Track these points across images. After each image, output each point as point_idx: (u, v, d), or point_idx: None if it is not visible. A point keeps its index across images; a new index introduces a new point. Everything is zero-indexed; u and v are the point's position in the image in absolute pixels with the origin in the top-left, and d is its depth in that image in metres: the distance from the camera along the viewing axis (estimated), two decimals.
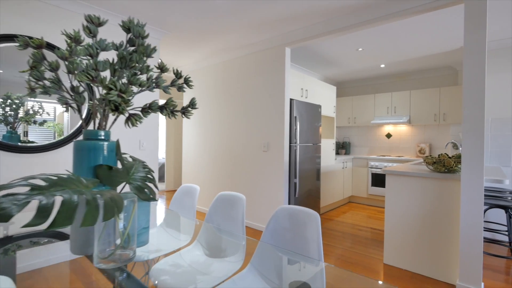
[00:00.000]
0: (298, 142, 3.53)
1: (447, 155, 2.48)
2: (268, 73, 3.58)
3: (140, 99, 2.98)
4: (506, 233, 3.13)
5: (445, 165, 2.40)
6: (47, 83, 0.99)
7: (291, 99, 3.52)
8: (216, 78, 4.33)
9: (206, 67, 4.51)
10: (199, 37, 3.46)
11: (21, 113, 2.27)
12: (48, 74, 1.01)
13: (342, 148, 5.83)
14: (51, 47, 2.36)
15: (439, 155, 2.51)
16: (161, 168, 7.30)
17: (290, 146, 3.50)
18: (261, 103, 3.67)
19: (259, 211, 3.66)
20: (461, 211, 2.15)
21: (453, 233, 2.30)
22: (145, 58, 1.01)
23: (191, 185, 2.09)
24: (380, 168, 4.94)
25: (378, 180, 4.99)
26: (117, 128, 2.91)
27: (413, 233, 2.49)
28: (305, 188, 3.67)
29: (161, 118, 8.42)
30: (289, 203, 3.50)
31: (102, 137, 0.98)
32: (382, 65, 4.64)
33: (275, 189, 3.48)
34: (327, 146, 4.53)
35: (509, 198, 2.71)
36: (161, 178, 7.26)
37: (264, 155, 3.62)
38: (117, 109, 0.90)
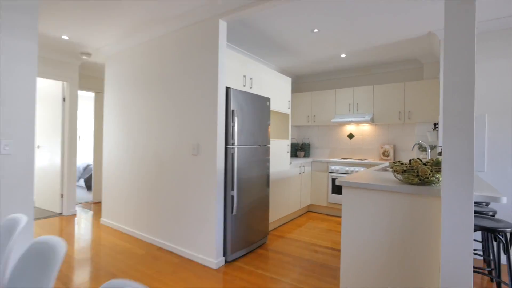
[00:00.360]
0: (236, 143, 2.74)
1: (421, 160, 1.84)
2: (199, 55, 2.75)
3: None
4: (481, 254, 2.59)
5: (418, 175, 1.75)
6: None
7: (227, 88, 2.72)
8: (140, 63, 3.40)
9: (128, 49, 3.56)
10: (107, 3, 2.53)
11: None
12: None
13: (301, 150, 5.18)
14: None
15: (410, 160, 1.86)
16: (92, 173, 6.12)
17: (226, 149, 2.70)
18: (190, 93, 2.82)
19: (187, 237, 2.80)
20: (442, 240, 1.49)
21: (431, 268, 1.65)
22: None
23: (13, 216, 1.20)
24: (341, 173, 4.34)
25: (339, 186, 4.38)
26: None
27: (378, 265, 1.81)
28: (248, 201, 2.89)
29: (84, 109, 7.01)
30: (224, 224, 2.69)
31: None
32: (343, 55, 4.04)
33: (204, 206, 2.66)
34: (280, 148, 3.81)
35: (491, 213, 2.15)
36: (90, 187, 6.08)
37: (193, 160, 2.77)
38: None
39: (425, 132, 4.01)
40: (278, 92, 3.79)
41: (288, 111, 4.03)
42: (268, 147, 3.28)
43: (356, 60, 4.30)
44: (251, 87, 3.20)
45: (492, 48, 2.83)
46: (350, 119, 4.42)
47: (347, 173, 4.28)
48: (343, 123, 4.57)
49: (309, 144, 5.22)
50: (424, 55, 3.97)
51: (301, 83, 5.51)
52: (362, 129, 4.76)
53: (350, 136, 4.88)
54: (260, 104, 3.14)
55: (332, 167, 4.42)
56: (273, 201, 3.64)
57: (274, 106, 3.69)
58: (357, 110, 4.50)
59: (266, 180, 3.20)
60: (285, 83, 3.95)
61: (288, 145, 3.98)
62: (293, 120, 5.20)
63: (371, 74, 4.71)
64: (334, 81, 5.12)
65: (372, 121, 4.34)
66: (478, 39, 2.89)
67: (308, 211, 4.71)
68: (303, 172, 4.41)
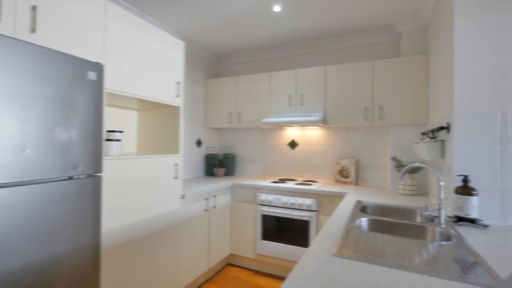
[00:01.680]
0: None
1: None
2: None
3: None
4: None
5: None
6: None
7: None
8: None
9: None
10: None
11: None
12: None
13: (221, 165, 3.37)
14: None
15: None
16: None
17: None
18: None
19: None
20: None
21: None
22: None
23: None
24: (276, 207, 2.64)
25: (272, 227, 2.67)
26: None
27: None
28: None
29: None
30: None
31: None
32: (277, 8, 2.34)
33: None
34: (162, 171, 1.94)
35: None
36: None
37: None
38: None
39: (404, 141, 2.52)
40: (155, 66, 1.91)
41: (178, 103, 2.17)
42: (99, 178, 1.38)
43: (300, 24, 2.64)
44: (34, 32, 1.26)
45: None
46: (291, 119, 2.74)
47: (284, 207, 2.59)
48: (281, 125, 2.89)
49: (233, 156, 3.44)
50: (404, 17, 2.48)
51: (221, 66, 3.72)
52: (310, 135, 3.14)
53: (292, 144, 3.23)
54: (64, 74, 1.23)
55: (263, 197, 2.69)
56: (143, 275, 1.74)
57: (145, 92, 1.81)
58: (301, 105, 2.86)
59: (94, 249, 1.29)
60: (171, 49, 2.09)
61: (176, 164, 2.12)
62: (209, 119, 3.37)
63: (323, 51, 3.12)
64: (268, 61, 3.43)
65: (324, 122, 2.73)
66: None
67: (228, 265, 2.92)
68: (214, 207, 2.60)
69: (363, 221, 1.50)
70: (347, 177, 2.84)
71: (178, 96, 2.11)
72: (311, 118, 2.65)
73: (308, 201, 2.49)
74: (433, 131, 1.84)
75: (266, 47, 3.29)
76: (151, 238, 1.89)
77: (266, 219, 2.68)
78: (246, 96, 3.13)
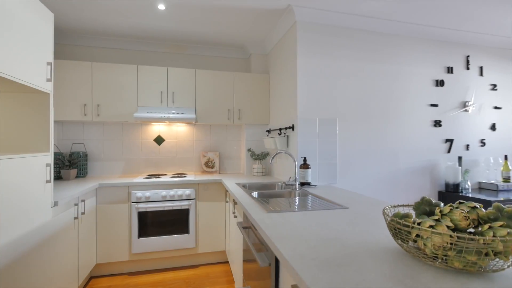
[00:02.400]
0: None
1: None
2: None
3: None
4: None
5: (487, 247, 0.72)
6: None
7: None
8: None
9: None
10: None
11: None
12: None
13: (70, 166, 2.81)
14: None
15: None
16: None
17: None
18: None
19: None
20: None
21: None
22: None
23: None
24: (155, 202, 2.68)
25: (149, 223, 2.69)
26: None
27: None
28: None
29: None
30: None
31: None
32: (161, 5, 2.40)
33: None
34: (26, 175, 1.51)
35: None
36: None
37: None
38: None
39: (255, 136, 3.35)
40: (18, 37, 1.46)
41: (48, 89, 1.74)
42: None
43: (170, 25, 2.80)
44: None
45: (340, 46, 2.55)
46: (166, 115, 2.84)
47: (164, 200, 2.69)
48: (153, 121, 2.90)
49: (85, 155, 2.97)
50: (254, 43, 3.29)
51: (67, 45, 3.06)
52: (177, 131, 3.34)
53: (159, 140, 3.29)
54: None
55: (138, 194, 2.63)
56: None
57: (10, 70, 1.34)
58: (173, 102, 3.02)
59: None
60: (40, 20, 1.65)
61: (48, 164, 1.71)
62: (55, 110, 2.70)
63: (190, 54, 3.40)
64: (133, 53, 3.25)
65: (196, 120, 3.06)
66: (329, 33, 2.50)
67: (92, 278, 2.57)
68: (83, 213, 2.24)
69: (255, 194, 2.05)
70: (212, 167, 3.33)
71: (49, 80, 1.71)
72: (186, 116, 2.90)
73: (187, 191, 2.74)
74: (280, 129, 2.71)
75: (132, 38, 3.11)
76: (14, 267, 1.47)
77: (142, 216, 2.64)
78: (107, 87, 2.83)
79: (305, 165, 2.32)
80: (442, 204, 0.93)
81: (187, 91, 3.04)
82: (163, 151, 3.29)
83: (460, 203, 0.87)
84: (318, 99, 2.47)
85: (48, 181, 1.69)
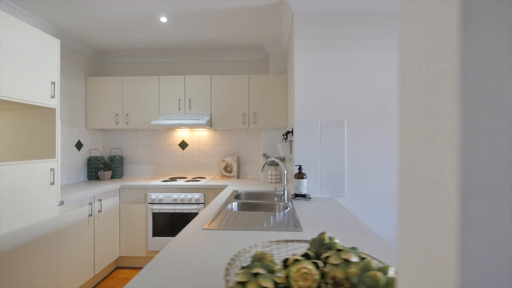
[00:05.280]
0: None
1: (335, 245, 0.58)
2: None
3: None
4: None
5: None
6: None
7: None
8: None
9: None
10: None
11: None
12: None
13: (107, 168, 3.25)
14: None
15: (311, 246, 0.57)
16: None
17: None
18: None
19: None
20: None
21: None
22: None
23: None
24: (167, 204, 2.83)
25: (163, 224, 2.85)
26: None
27: None
28: None
29: None
30: None
31: None
32: (163, 18, 2.53)
33: None
34: (33, 179, 1.81)
35: None
36: None
37: None
38: None
39: (272, 141, 3.18)
40: (24, 64, 1.76)
41: (54, 104, 2.05)
42: None
43: (186, 35, 2.91)
44: None
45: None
46: (179, 121, 2.98)
47: (175, 203, 2.81)
48: (170, 127, 3.09)
49: (121, 158, 3.38)
50: (271, 43, 3.12)
51: (105, 63, 3.56)
52: (199, 136, 3.46)
53: (183, 145, 3.47)
54: None
55: (153, 196, 2.83)
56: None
57: (12, 92, 1.65)
58: (190, 109, 3.13)
59: None
60: (44, 47, 1.96)
61: (52, 169, 2.01)
62: (91, 120, 3.18)
63: (208, 61, 3.49)
64: (157, 64, 3.54)
65: (210, 125, 3.10)
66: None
67: (118, 268, 2.89)
68: (100, 211, 2.55)
69: (234, 204, 1.93)
70: (230, 172, 3.32)
71: (53, 97, 2.01)
72: (199, 121, 2.97)
73: (196, 195, 2.80)
74: (283, 134, 2.48)
75: (155, 51, 3.39)
76: (24, 249, 1.76)
77: (157, 216, 2.83)
78: (134, 98, 3.15)
79: (299, 174, 2.05)
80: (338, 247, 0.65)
81: (203, 97, 3.11)
82: (186, 156, 3.46)
83: (340, 250, 0.59)
84: (319, 99, 2.16)
85: (52, 183, 1.98)
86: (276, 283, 0.55)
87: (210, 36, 2.93)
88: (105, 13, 2.42)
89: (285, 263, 0.59)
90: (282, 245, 0.85)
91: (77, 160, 3.06)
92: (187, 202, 2.80)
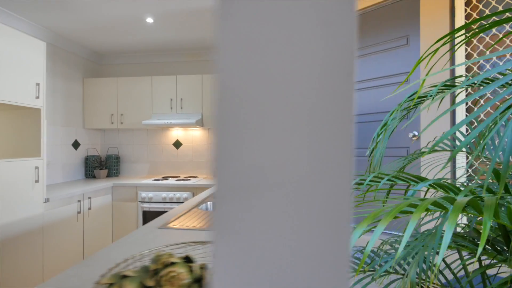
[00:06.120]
0: None
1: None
2: None
3: None
4: None
5: None
6: None
7: None
8: None
9: None
10: None
11: None
12: None
13: (104, 167, 3.33)
14: None
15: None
16: None
17: None
18: None
19: None
20: None
21: None
22: None
23: None
24: (156, 203, 2.86)
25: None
26: None
27: None
28: None
29: None
30: None
31: None
32: (150, 19, 2.56)
33: None
34: (18, 176, 1.88)
35: None
36: None
37: None
38: None
39: None
40: (10, 67, 1.84)
41: (39, 105, 2.12)
42: None
43: (174, 35, 2.93)
44: None
45: None
46: (170, 121, 3.00)
47: (164, 202, 2.84)
48: (161, 126, 3.12)
49: (117, 157, 3.46)
50: None
51: (103, 65, 3.65)
52: (192, 135, 3.48)
53: (177, 144, 3.50)
54: None
55: (143, 194, 2.87)
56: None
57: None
58: (181, 108, 3.15)
59: None
60: (29, 49, 2.03)
61: (37, 167, 2.08)
62: (89, 120, 3.28)
63: (200, 61, 3.50)
64: (150, 65, 3.59)
65: (201, 124, 3.10)
66: None
67: None
68: (90, 208, 2.62)
69: (210, 204, 1.91)
70: None
71: (38, 97, 2.08)
72: (189, 121, 2.98)
73: (184, 194, 2.81)
74: None
75: (148, 52, 3.44)
76: (10, 242, 1.83)
77: (147, 214, 2.87)
78: (128, 98, 3.22)
79: None
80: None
81: (194, 97, 3.12)
82: (180, 155, 3.49)
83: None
84: None
85: (36, 181, 2.05)
86: (144, 286, 0.52)
87: (199, 35, 2.93)
88: (95, 16, 2.48)
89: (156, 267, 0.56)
90: (199, 246, 0.82)
91: (74, 159, 3.16)
92: (175, 201, 2.82)
